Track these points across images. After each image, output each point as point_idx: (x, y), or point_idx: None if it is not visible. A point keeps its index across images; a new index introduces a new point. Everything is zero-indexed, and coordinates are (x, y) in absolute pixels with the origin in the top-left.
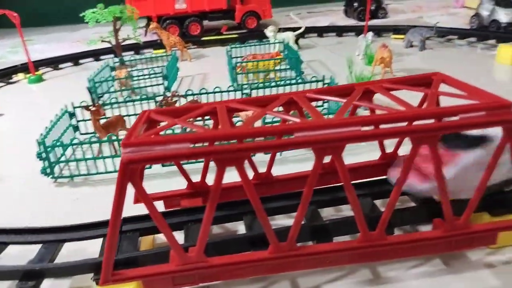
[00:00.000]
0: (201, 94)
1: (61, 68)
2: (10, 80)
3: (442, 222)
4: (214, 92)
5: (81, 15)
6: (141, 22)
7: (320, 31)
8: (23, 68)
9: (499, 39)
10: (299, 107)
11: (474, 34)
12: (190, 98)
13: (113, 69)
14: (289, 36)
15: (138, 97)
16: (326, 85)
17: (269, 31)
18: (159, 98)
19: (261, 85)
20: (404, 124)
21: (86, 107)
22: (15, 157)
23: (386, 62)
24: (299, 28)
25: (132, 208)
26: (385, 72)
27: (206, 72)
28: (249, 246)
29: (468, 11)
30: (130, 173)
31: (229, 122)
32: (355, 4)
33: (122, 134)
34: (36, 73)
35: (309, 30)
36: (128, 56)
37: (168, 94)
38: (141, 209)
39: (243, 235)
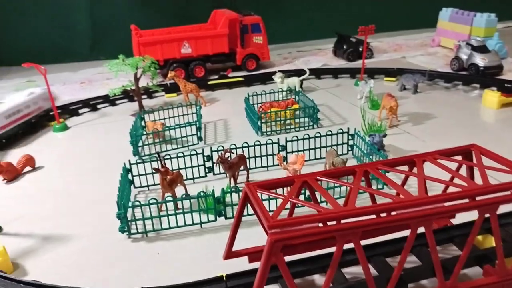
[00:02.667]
0: (243, 147)
1: (80, 114)
2: (36, 129)
3: (492, 268)
4: (254, 145)
5: (105, 66)
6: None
7: (318, 73)
8: (43, 115)
9: (482, 84)
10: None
11: (459, 78)
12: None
13: (141, 118)
14: (295, 82)
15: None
16: (350, 136)
17: (277, 77)
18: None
19: (294, 137)
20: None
21: (156, 169)
22: (81, 215)
23: (393, 110)
24: (304, 73)
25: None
26: (392, 119)
27: (225, 118)
28: None
29: (445, 51)
30: (275, 248)
31: (334, 199)
32: (345, 46)
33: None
34: (61, 120)
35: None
36: (144, 101)
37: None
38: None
39: None
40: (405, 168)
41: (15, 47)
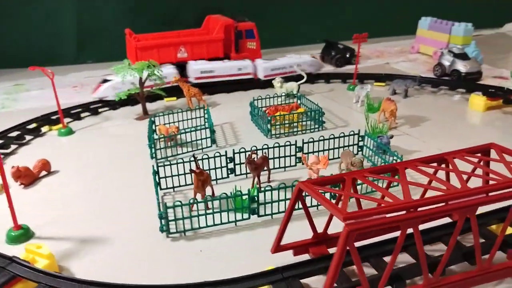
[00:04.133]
0: (263, 149)
1: (82, 118)
2: (40, 133)
3: None
4: (274, 147)
5: (111, 69)
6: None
7: (310, 78)
8: (45, 119)
9: (468, 89)
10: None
11: (445, 84)
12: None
13: (152, 122)
14: (294, 86)
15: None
16: (360, 137)
17: (276, 82)
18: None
19: (311, 139)
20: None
21: (193, 170)
22: (114, 216)
23: (394, 113)
24: (302, 78)
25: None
26: (391, 121)
27: (230, 121)
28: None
29: (424, 57)
30: (350, 237)
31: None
32: (333, 53)
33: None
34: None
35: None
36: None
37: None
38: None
39: None
40: (434, 164)
41: (1, 51)
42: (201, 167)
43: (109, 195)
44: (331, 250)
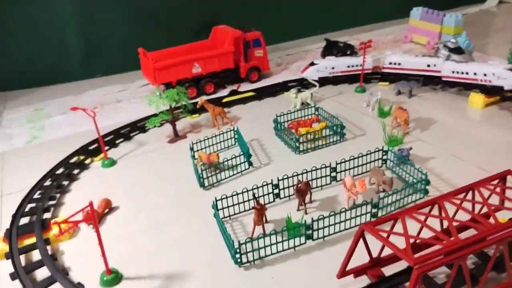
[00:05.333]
0: (303, 173)
1: (118, 145)
2: (85, 167)
3: None
4: (312, 171)
5: (144, 100)
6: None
7: (319, 81)
8: (85, 150)
9: (466, 86)
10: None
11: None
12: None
13: (191, 149)
14: (308, 95)
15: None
16: (384, 152)
17: (292, 94)
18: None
19: (342, 159)
20: None
21: (255, 208)
22: (185, 250)
23: (407, 122)
24: (314, 86)
25: None
26: (404, 128)
27: (256, 137)
28: None
29: (418, 47)
30: (419, 278)
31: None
32: (334, 51)
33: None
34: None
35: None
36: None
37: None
38: None
39: None
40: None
41: (9, 71)
42: (260, 201)
43: (171, 228)
44: (385, 270)
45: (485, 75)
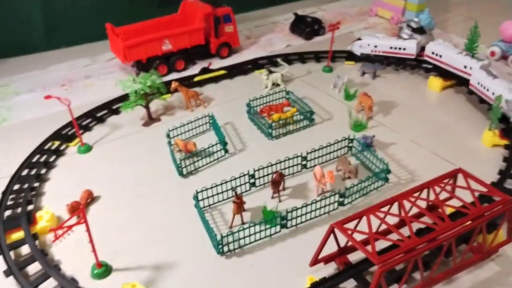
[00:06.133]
0: (276, 164)
1: (91, 128)
2: (61, 153)
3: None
4: (284, 161)
5: (117, 85)
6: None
7: (287, 59)
8: (58, 135)
9: (426, 70)
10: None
11: (407, 65)
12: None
13: (167, 135)
14: (278, 76)
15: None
16: (350, 141)
17: (263, 75)
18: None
19: (312, 149)
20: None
21: (236, 202)
22: (170, 240)
23: (371, 108)
24: (284, 68)
25: None
26: (368, 112)
27: (230, 121)
28: None
29: (382, 22)
30: (382, 275)
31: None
32: (302, 26)
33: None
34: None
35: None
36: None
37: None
38: None
39: None
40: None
41: None
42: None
43: (154, 218)
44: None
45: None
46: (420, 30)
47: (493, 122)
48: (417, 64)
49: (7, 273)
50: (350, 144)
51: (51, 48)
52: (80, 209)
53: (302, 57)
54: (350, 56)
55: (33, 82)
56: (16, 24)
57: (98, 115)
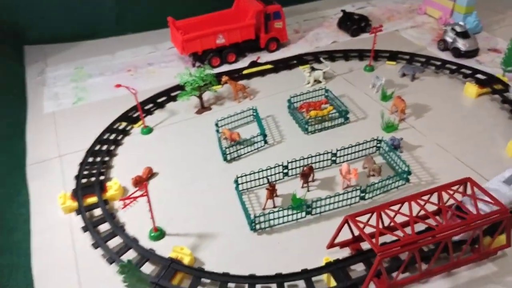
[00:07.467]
0: (309, 157)
1: (153, 113)
2: (127, 133)
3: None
4: (316, 155)
5: (175, 77)
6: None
7: (331, 56)
8: (126, 117)
9: (464, 76)
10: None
11: (447, 68)
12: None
13: (216, 125)
14: (320, 74)
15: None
16: (378, 142)
17: (306, 72)
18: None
19: (342, 147)
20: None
21: (269, 189)
22: (215, 215)
23: (403, 110)
24: (326, 66)
25: None
26: (401, 115)
27: (272, 114)
28: None
29: (431, 21)
30: (381, 262)
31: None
32: (348, 23)
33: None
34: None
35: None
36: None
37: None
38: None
39: None
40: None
41: (46, 25)
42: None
43: (202, 195)
44: (363, 245)
45: None
46: (464, 34)
47: None
48: (456, 69)
49: (84, 229)
50: (378, 145)
51: (118, 34)
52: (143, 184)
53: (346, 55)
54: (392, 56)
55: (103, 66)
56: (89, 10)
57: (159, 101)
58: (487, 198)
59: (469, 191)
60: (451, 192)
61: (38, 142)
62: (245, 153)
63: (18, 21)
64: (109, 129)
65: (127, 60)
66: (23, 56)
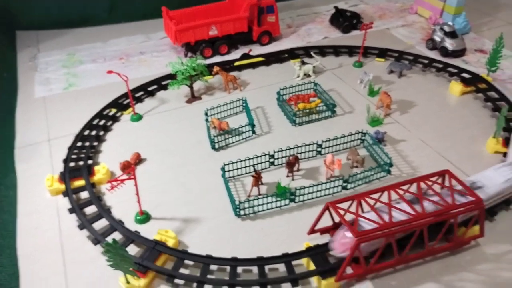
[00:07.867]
0: (293, 148)
1: (143, 101)
2: (117, 119)
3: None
4: (301, 146)
5: (167, 65)
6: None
7: (322, 51)
8: (115, 104)
9: (450, 74)
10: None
11: (433, 66)
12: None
13: (205, 113)
14: (310, 68)
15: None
16: (362, 134)
17: (296, 66)
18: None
19: (327, 138)
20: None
21: (254, 176)
22: (200, 201)
23: (389, 106)
24: (316, 60)
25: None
26: (386, 110)
27: (261, 105)
28: None
29: (421, 21)
30: (358, 246)
31: (382, 216)
32: (340, 20)
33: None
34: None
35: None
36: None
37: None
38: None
39: None
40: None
41: (40, 11)
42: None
43: (189, 181)
44: None
45: None
46: (452, 34)
47: (498, 131)
48: (443, 67)
49: (71, 211)
50: (363, 137)
51: (112, 22)
52: (131, 168)
53: (336, 50)
54: (381, 53)
55: (95, 53)
56: None
57: (149, 89)
58: (463, 189)
59: (447, 183)
60: (430, 183)
61: (27, 126)
62: (233, 142)
63: (11, 6)
64: (99, 115)
65: (119, 48)
66: (15, 41)
